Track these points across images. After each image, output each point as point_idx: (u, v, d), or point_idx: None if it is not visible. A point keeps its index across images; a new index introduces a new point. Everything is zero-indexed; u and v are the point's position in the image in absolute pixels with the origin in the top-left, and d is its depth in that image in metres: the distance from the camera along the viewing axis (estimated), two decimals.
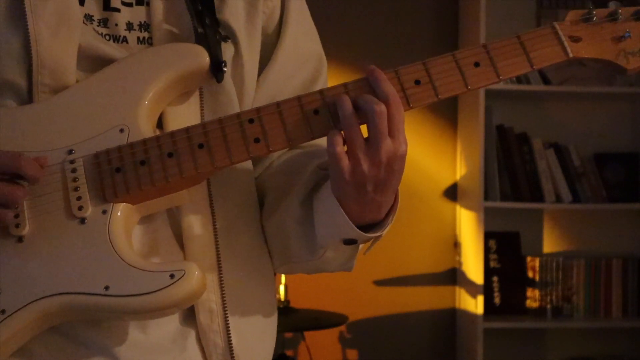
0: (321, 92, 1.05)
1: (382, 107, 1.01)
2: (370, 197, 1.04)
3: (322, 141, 1.05)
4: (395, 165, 1.02)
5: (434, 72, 1.05)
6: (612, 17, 1.09)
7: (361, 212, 1.06)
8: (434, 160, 3.64)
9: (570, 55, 1.08)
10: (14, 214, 0.99)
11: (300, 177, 1.14)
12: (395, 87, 1.04)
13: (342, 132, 1.02)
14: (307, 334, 3.35)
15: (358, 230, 1.06)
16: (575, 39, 1.08)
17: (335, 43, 3.40)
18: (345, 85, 1.05)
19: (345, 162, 1.01)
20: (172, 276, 0.98)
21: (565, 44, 1.08)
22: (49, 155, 1.02)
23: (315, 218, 1.11)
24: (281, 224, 1.15)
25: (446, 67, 1.06)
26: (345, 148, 1.02)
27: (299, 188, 1.14)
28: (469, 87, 1.06)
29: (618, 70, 1.09)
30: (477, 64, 1.06)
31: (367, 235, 1.08)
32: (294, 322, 3.02)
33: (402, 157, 1.03)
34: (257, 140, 1.03)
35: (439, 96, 1.05)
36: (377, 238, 1.10)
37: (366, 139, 1.02)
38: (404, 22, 3.63)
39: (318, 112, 1.04)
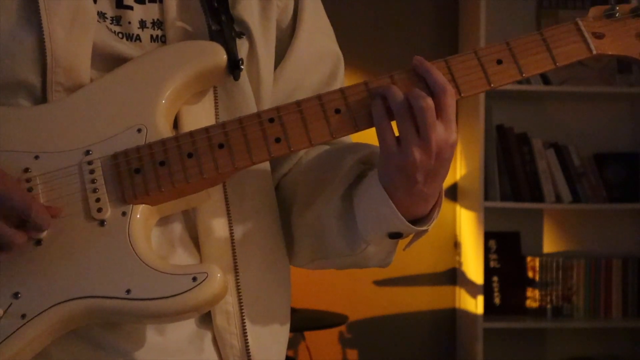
0: (342, 90, 1.04)
1: (428, 102, 1.00)
2: (420, 188, 1.02)
3: (347, 138, 1.04)
4: (445, 154, 1.01)
5: (456, 70, 1.04)
6: (636, 13, 1.08)
7: (409, 205, 1.04)
8: None
9: (594, 52, 1.06)
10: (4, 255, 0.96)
11: (337, 172, 1.13)
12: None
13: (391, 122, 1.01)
14: (307, 334, 3.35)
15: (406, 222, 1.04)
16: (598, 35, 1.07)
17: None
18: (365, 83, 1.04)
19: (397, 151, 1.00)
20: (194, 279, 0.96)
21: (589, 40, 1.06)
22: (65, 156, 1.01)
23: (357, 212, 1.09)
24: (318, 219, 1.13)
25: (468, 65, 1.04)
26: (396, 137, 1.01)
27: (337, 183, 1.12)
28: (492, 85, 1.04)
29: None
30: (499, 61, 1.05)
31: (415, 228, 1.06)
32: (294, 322, 2.96)
33: (453, 146, 1.02)
34: (278, 140, 1.02)
35: (462, 94, 1.04)
36: (423, 232, 1.09)
37: (417, 128, 1.01)
38: (404, 23, 3.63)
39: (339, 112, 1.03)
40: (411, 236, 1.10)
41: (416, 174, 1.01)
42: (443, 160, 1.02)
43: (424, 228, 1.07)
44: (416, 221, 1.07)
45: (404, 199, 1.04)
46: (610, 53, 1.07)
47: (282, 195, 1.19)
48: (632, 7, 1.08)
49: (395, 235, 1.08)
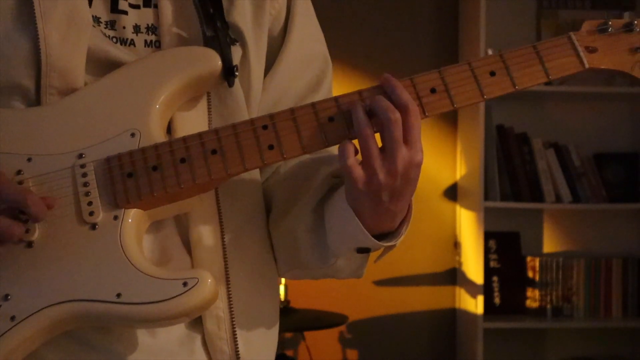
0: (336, 99, 1.04)
1: (397, 115, 0.99)
2: (386, 206, 1.03)
3: (334, 148, 1.05)
4: (411, 173, 1.01)
5: (450, 81, 1.04)
6: (628, 28, 1.09)
7: (376, 222, 1.05)
8: (434, 160, 3.63)
9: (587, 66, 1.07)
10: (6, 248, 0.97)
11: (310, 184, 1.13)
12: (410, 95, 1.02)
13: (355, 142, 1.01)
14: (307, 334, 3.35)
15: (373, 239, 1.05)
16: (591, 50, 1.08)
17: (336, 46, 3.39)
18: (360, 92, 1.04)
19: (360, 173, 1.00)
20: (185, 284, 0.96)
21: (582, 54, 1.07)
22: (58, 159, 1.01)
23: (327, 226, 1.10)
24: (291, 231, 1.14)
25: (462, 76, 1.05)
26: (359, 158, 1.01)
27: (310, 196, 1.13)
28: (485, 97, 1.04)
29: (635, 81, 1.09)
30: (492, 73, 1.05)
31: (381, 244, 1.07)
32: (294, 322, 3.02)
33: (418, 166, 1.02)
34: (271, 147, 1.02)
35: (455, 105, 1.04)
36: (391, 247, 1.09)
37: (381, 148, 1.01)
38: (404, 24, 3.63)
39: (333, 120, 1.03)
40: (381, 250, 1.10)
41: (382, 195, 1.01)
42: (409, 180, 1.02)
43: (391, 244, 1.08)
44: (385, 235, 1.08)
45: (370, 217, 1.04)
46: (602, 67, 1.08)
47: None
48: (625, 22, 1.09)
49: (363, 250, 1.09)
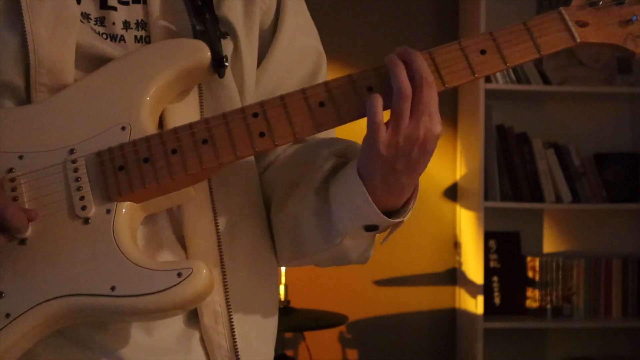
0: (326, 84, 1.04)
1: (432, 79, 1.00)
2: (396, 177, 1.02)
3: (326, 134, 1.04)
4: (428, 145, 1.01)
5: (440, 61, 1.05)
6: (619, 1, 1.08)
7: (384, 195, 1.04)
8: (434, 160, 3.60)
9: (578, 40, 1.07)
10: None
11: (311, 166, 1.13)
12: None
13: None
14: (307, 334, 3.34)
15: (380, 212, 1.04)
16: (582, 24, 1.07)
17: (334, 42, 3.40)
18: (350, 76, 1.04)
19: (384, 133, 1.00)
20: (179, 275, 0.96)
21: (573, 29, 1.07)
22: (50, 155, 1.01)
23: (333, 203, 1.09)
24: (294, 215, 1.13)
25: (452, 56, 1.05)
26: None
27: (311, 176, 1.12)
28: (476, 75, 1.04)
29: (627, 53, 1.08)
30: (483, 52, 1.05)
31: (389, 220, 1.06)
32: (294, 322, 3.02)
33: (437, 138, 1.02)
34: (262, 135, 1.02)
35: (446, 85, 1.04)
36: (398, 224, 1.08)
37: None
38: (404, 22, 3.63)
39: (324, 105, 1.03)
40: (388, 230, 1.10)
41: (397, 162, 1.01)
42: (425, 152, 1.02)
43: (399, 220, 1.07)
44: (391, 214, 1.07)
45: (379, 188, 1.03)
46: (594, 41, 1.07)
47: (262, 192, 1.19)
48: None
49: (371, 228, 1.07)
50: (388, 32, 3.60)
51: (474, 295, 3.43)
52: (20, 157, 1.01)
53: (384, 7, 3.62)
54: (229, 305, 1.09)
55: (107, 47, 1.06)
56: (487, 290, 3.46)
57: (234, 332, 1.09)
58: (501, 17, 3.53)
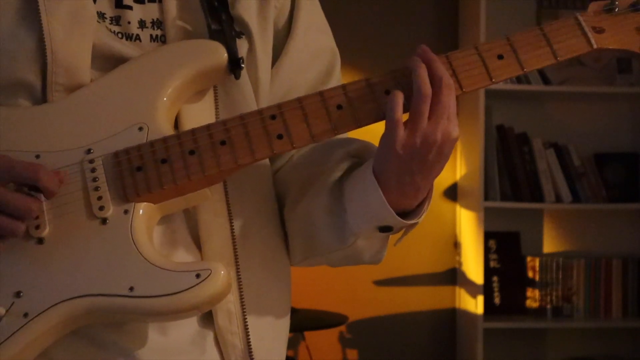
0: (343, 87, 1.04)
1: (452, 82, 1.01)
2: (412, 178, 1.02)
3: (341, 134, 1.04)
4: (445, 147, 1.01)
5: (457, 65, 1.05)
6: (635, 7, 1.08)
7: (398, 196, 1.04)
8: None
9: (595, 46, 1.07)
10: (26, 227, 0.96)
11: (325, 165, 1.13)
12: None
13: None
14: (307, 334, 3.34)
15: (393, 212, 1.04)
16: (598, 30, 1.07)
17: (335, 43, 3.41)
18: (367, 79, 1.05)
19: (402, 132, 1.00)
20: (198, 276, 0.96)
21: (589, 34, 1.07)
22: (67, 155, 1.01)
23: (347, 203, 1.08)
24: (307, 214, 1.13)
25: (469, 60, 1.05)
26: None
27: (326, 176, 1.12)
28: (493, 80, 1.04)
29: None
30: (500, 57, 1.05)
31: (404, 222, 1.05)
32: (294, 322, 2.96)
33: (454, 142, 1.02)
34: (280, 137, 1.02)
35: (464, 89, 1.04)
36: (412, 226, 1.08)
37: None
38: (404, 23, 3.63)
39: (341, 107, 1.03)
40: (402, 232, 1.10)
41: (412, 162, 1.01)
42: (442, 155, 1.02)
43: (413, 221, 1.07)
44: (405, 215, 1.07)
45: (394, 189, 1.03)
46: (610, 47, 1.07)
47: (276, 192, 1.19)
48: (632, 2, 1.09)
49: (386, 229, 1.07)
50: (388, 32, 3.60)
51: (474, 295, 3.43)
52: (37, 157, 1.01)
53: (384, 7, 3.61)
54: (244, 305, 1.09)
55: (123, 47, 1.06)
56: (487, 290, 3.47)
57: (248, 332, 1.09)
58: (501, 17, 3.54)
